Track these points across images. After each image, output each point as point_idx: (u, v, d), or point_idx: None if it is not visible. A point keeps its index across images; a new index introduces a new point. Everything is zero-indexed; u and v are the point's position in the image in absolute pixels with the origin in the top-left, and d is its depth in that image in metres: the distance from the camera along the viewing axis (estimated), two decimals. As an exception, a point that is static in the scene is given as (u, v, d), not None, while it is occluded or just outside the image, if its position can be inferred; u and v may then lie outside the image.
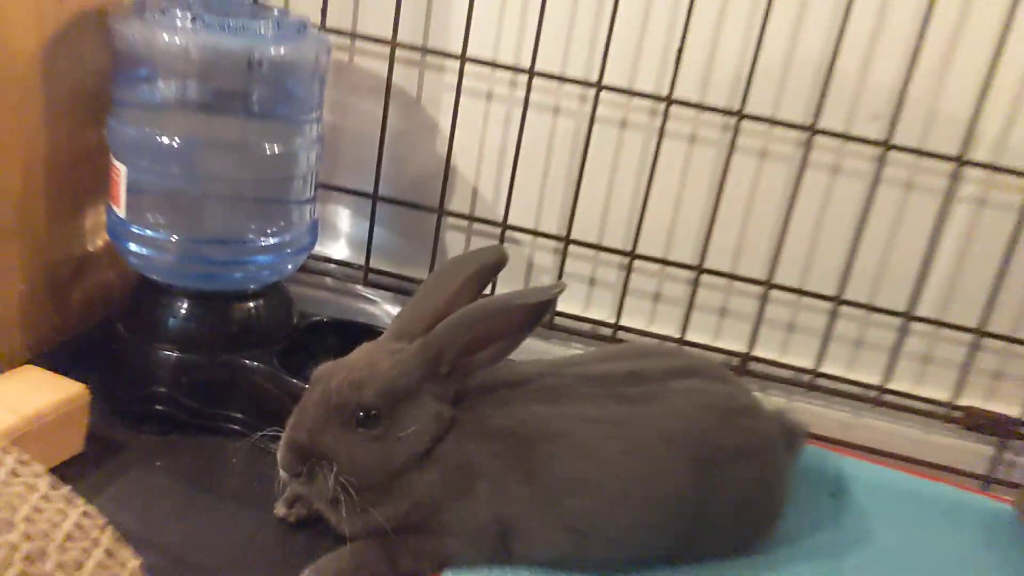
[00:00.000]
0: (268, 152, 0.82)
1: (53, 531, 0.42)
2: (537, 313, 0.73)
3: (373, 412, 0.70)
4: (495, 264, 0.78)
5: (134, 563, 0.44)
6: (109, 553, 0.43)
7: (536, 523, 0.73)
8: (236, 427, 0.85)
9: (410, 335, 0.74)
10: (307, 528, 0.76)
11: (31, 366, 0.81)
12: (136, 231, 0.83)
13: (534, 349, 1.01)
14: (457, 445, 0.73)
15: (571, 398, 0.77)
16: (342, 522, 0.73)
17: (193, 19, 0.78)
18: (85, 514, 0.44)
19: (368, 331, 0.94)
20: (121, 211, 0.83)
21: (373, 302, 1.06)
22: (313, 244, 0.92)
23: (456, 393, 0.74)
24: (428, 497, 0.72)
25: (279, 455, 0.72)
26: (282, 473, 0.72)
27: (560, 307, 1.03)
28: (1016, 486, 0.96)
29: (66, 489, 0.46)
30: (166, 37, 0.77)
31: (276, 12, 0.87)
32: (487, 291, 0.95)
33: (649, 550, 0.76)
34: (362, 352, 0.74)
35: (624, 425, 0.75)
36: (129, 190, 0.82)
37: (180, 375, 0.85)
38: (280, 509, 0.78)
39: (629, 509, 0.74)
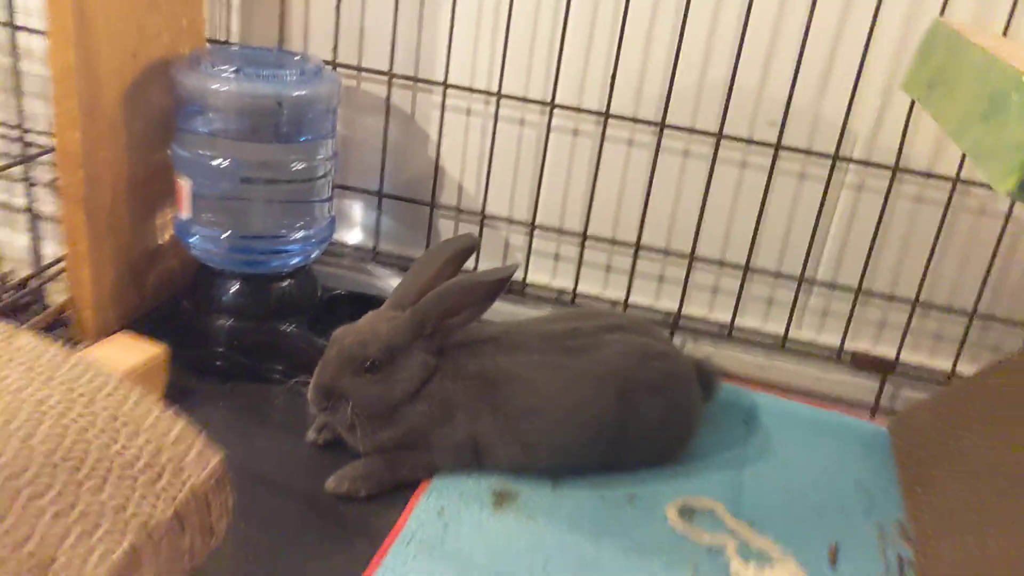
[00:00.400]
0: (294, 167, 1.07)
1: (168, 434, 0.68)
2: (497, 287, 0.97)
3: (376, 363, 0.95)
4: (466, 248, 1.03)
5: (219, 456, 0.70)
6: (204, 447, 0.69)
7: (499, 441, 0.99)
8: (277, 376, 1.11)
9: (403, 305, 0.99)
10: (331, 448, 1.01)
11: (121, 333, 1.07)
12: (196, 229, 1.08)
13: (511, 311, 1.26)
14: (440, 385, 0.98)
15: (526, 350, 1.01)
16: (357, 442, 0.98)
17: (236, 71, 1.03)
18: (185, 425, 0.70)
19: (376, 301, 1.19)
20: (185, 214, 1.08)
21: (381, 277, 1.31)
22: (332, 235, 1.17)
23: (439, 347, 0.99)
24: (419, 423, 0.97)
25: (309, 395, 0.97)
26: (312, 408, 0.98)
27: (530, 278, 1.28)
28: (895, 414, 1.20)
29: (171, 412, 0.71)
30: (215, 85, 1.02)
31: (298, 57, 1.12)
32: (472, 266, 1.19)
33: (584, 460, 1.00)
34: (367, 319, 0.99)
35: (564, 369, 1.00)
36: (190, 198, 1.08)
37: (233, 338, 1.11)
38: (311, 434, 1.03)
39: (567, 429, 0.99)
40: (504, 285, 0.98)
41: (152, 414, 0.70)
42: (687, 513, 0.98)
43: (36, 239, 1.09)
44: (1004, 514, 0.88)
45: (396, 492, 0.96)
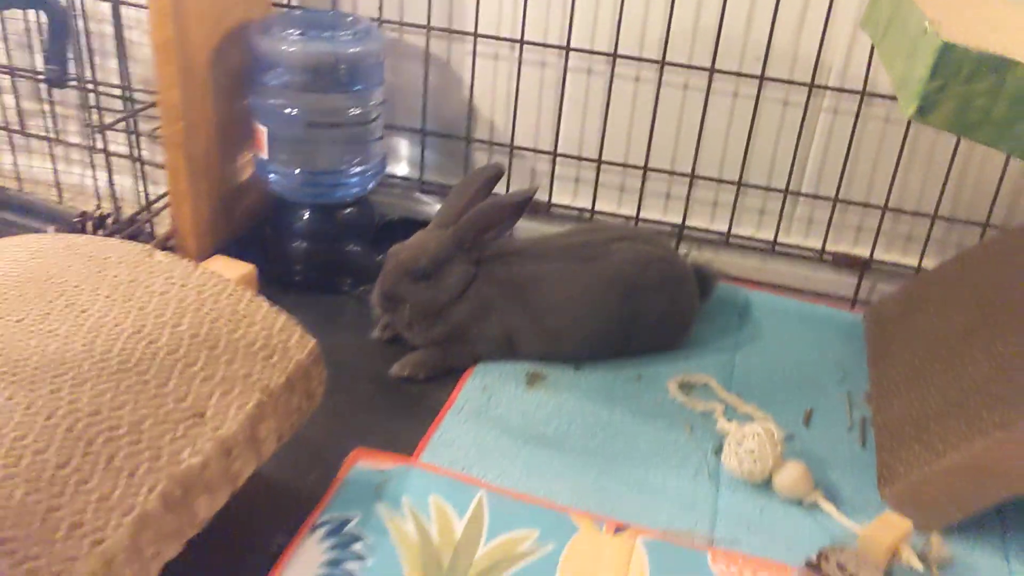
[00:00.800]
0: (351, 112, 1.28)
1: (275, 324, 0.90)
2: (521, 206, 1.17)
3: (426, 272, 1.17)
4: (495, 175, 1.23)
5: (314, 341, 0.92)
6: (302, 334, 0.91)
7: (528, 333, 1.20)
8: (345, 288, 1.33)
9: (445, 224, 1.20)
10: (393, 343, 1.24)
11: (217, 256, 1.29)
12: (273, 167, 1.30)
13: (539, 229, 1.47)
14: (479, 289, 1.19)
15: (547, 259, 1.21)
16: (414, 337, 1.21)
17: (300, 33, 1.24)
18: (287, 317, 0.92)
19: (424, 223, 1.40)
20: (264, 154, 1.30)
21: (427, 203, 1.52)
22: (384, 168, 1.38)
23: (477, 258, 1.20)
24: (463, 320, 1.19)
25: (373, 300, 1.19)
26: (375, 310, 1.21)
27: (554, 199, 1.48)
28: (870, 305, 1.40)
29: (275, 308, 0.93)
30: (284, 46, 1.23)
31: (351, 19, 1.31)
32: (503, 190, 1.40)
33: (598, 347, 1.22)
34: (417, 237, 1.20)
35: (580, 274, 1.20)
36: (267, 141, 1.30)
37: (307, 258, 1.34)
38: (376, 332, 1.25)
39: (584, 323, 1.20)
40: (527, 205, 1.18)
41: (262, 309, 0.93)
42: (685, 387, 1.20)
43: (143, 180, 1.31)
44: (939, 375, 1.09)
45: (448, 376, 1.18)
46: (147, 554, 0.72)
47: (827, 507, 1.01)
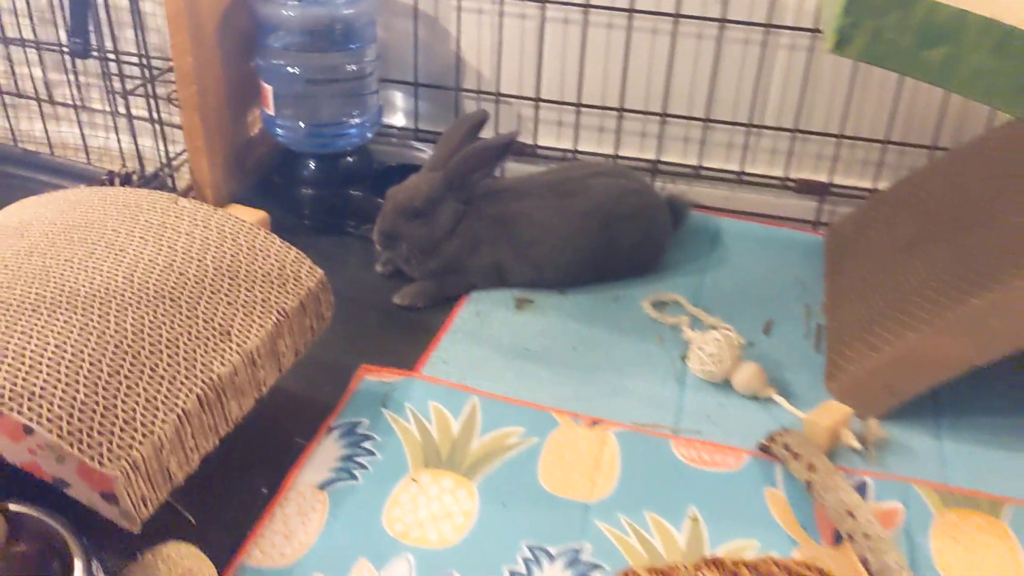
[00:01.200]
0: (348, 69, 1.41)
1: (288, 257, 1.04)
2: (505, 148, 1.30)
3: (421, 211, 1.30)
4: (480, 121, 1.35)
5: (322, 271, 1.06)
6: (312, 266, 1.05)
7: (515, 264, 1.33)
8: (350, 229, 1.47)
9: (436, 167, 1.32)
10: (394, 276, 1.37)
11: (233, 204, 1.43)
12: (279, 122, 1.43)
13: (526, 170, 1.59)
14: (469, 225, 1.32)
15: (531, 196, 1.34)
16: (413, 271, 1.34)
17: (298, -1, 1.36)
18: (298, 251, 1.06)
19: (418, 169, 1.53)
20: (270, 111, 1.43)
21: (422, 151, 1.64)
22: (381, 119, 1.51)
23: (466, 197, 1.33)
24: (456, 254, 1.32)
25: (375, 237, 1.33)
26: (377, 247, 1.34)
27: (539, 142, 1.61)
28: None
29: (287, 244, 1.07)
30: (283, 11, 1.36)
31: (343, -18, 1.44)
32: (489, 134, 1.52)
33: (579, 274, 1.34)
34: (411, 179, 1.33)
35: (560, 208, 1.32)
36: (273, 99, 1.42)
37: (314, 203, 1.47)
38: (378, 267, 1.38)
39: (565, 252, 1.32)
40: (510, 147, 1.31)
41: (275, 244, 1.07)
42: (658, 305, 1.33)
43: (163, 140, 1.44)
44: (884, 283, 1.22)
45: (445, 304, 1.32)
46: (188, 446, 0.86)
47: (779, 400, 1.15)
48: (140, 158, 1.44)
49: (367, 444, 1.05)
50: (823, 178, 1.52)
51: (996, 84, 0.93)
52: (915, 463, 1.07)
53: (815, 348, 1.26)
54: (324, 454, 1.04)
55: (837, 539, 0.97)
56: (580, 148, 1.60)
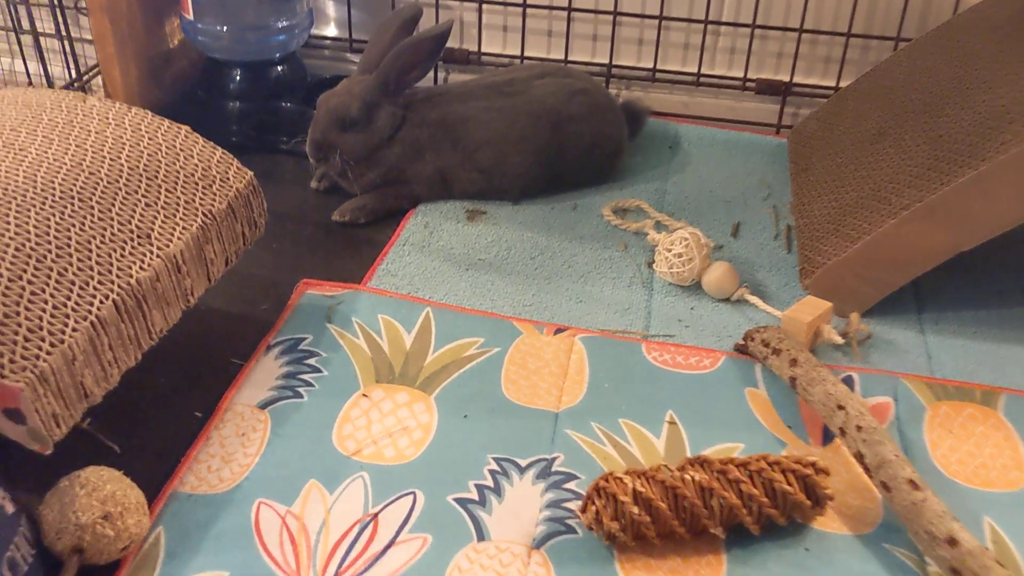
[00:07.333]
0: (273, -33, 1.29)
1: (213, 157, 0.93)
2: (439, 41, 1.18)
3: (356, 119, 1.19)
4: (413, 17, 1.23)
5: (251, 173, 0.95)
6: (239, 167, 0.94)
7: (461, 170, 1.23)
8: (282, 146, 1.35)
9: (368, 70, 1.22)
10: (332, 193, 1.27)
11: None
12: (201, 27, 1.31)
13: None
14: (410, 132, 1.21)
15: (475, 98, 1.24)
16: (351, 185, 1.23)
17: None
18: (224, 152, 0.95)
19: (356, 79, 1.43)
20: (189, 15, 1.30)
21: (356, 63, 1.53)
22: (311, 24, 1.39)
23: (405, 102, 1.22)
24: (396, 163, 1.22)
25: (307, 149, 1.22)
26: (310, 160, 1.23)
27: (484, 49, 1.51)
28: (794, 129, 1.45)
29: (211, 143, 0.96)
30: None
31: None
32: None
33: (531, 182, 1.25)
34: (343, 84, 1.21)
35: (507, 109, 1.23)
36: (192, 1, 1.30)
37: (243, 118, 1.35)
38: (313, 183, 1.28)
39: (513, 157, 1.23)
40: (444, 39, 1.19)
41: (198, 144, 0.96)
42: (619, 212, 1.25)
43: (72, 57, 1.31)
44: (854, 175, 1.15)
45: (389, 218, 1.22)
46: (106, 359, 0.76)
47: (754, 300, 1.08)
48: (49, 81, 1.32)
49: (312, 361, 0.96)
50: (785, 78, 1.44)
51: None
52: (901, 358, 1.01)
53: (787, 249, 1.18)
54: (264, 373, 0.94)
55: (826, 439, 0.90)
56: (528, 54, 1.50)
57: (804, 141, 1.34)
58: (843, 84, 1.42)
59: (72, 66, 1.32)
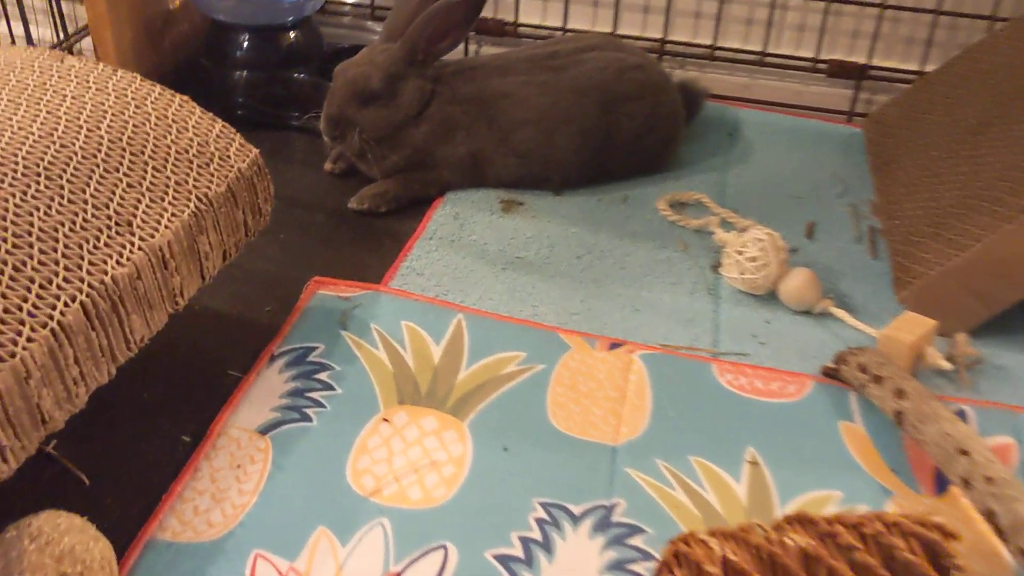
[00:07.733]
0: (288, -82, 1.14)
1: (212, 131, 0.78)
2: (474, 7, 1.04)
3: (378, 92, 1.04)
4: None
5: (256, 150, 0.80)
6: (242, 143, 0.79)
7: (496, 153, 1.09)
8: (293, 122, 1.20)
9: (393, 37, 1.06)
10: (348, 176, 1.12)
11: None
12: (204, -14, 1.16)
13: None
14: (440, 108, 1.07)
15: (514, 72, 1.10)
16: (370, 168, 1.09)
17: None
18: (224, 124, 0.80)
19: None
20: (192, -27, 1.16)
21: (378, 32, 1.38)
22: (329, -14, 1.25)
23: (435, 74, 1.08)
24: (423, 143, 1.07)
25: (321, 126, 1.07)
26: (325, 139, 1.08)
27: (522, 19, 1.35)
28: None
29: (210, 115, 0.81)
30: None
31: None
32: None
33: (575, 169, 1.10)
34: (364, 52, 1.07)
35: (550, 84, 1.08)
36: (195, -43, 1.15)
37: (250, 89, 1.20)
38: (328, 165, 1.13)
39: (556, 138, 1.08)
40: (481, 3, 1.05)
41: (195, 115, 0.81)
42: (676, 206, 1.10)
43: (60, 18, 1.17)
44: (954, 172, 0.99)
45: (414, 207, 1.07)
46: (70, 375, 0.61)
47: (840, 314, 0.92)
48: (30, 41, 1.17)
49: (323, 375, 0.81)
50: (860, 60, 1.28)
51: None
52: (1016, 387, 0.85)
53: (872, 254, 1.03)
54: (265, 390, 0.79)
55: (939, 485, 0.74)
56: (571, 26, 1.34)
57: (885, 131, 1.19)
58: (928, 69, 1.26)
59: (60, 28, 1.17)
